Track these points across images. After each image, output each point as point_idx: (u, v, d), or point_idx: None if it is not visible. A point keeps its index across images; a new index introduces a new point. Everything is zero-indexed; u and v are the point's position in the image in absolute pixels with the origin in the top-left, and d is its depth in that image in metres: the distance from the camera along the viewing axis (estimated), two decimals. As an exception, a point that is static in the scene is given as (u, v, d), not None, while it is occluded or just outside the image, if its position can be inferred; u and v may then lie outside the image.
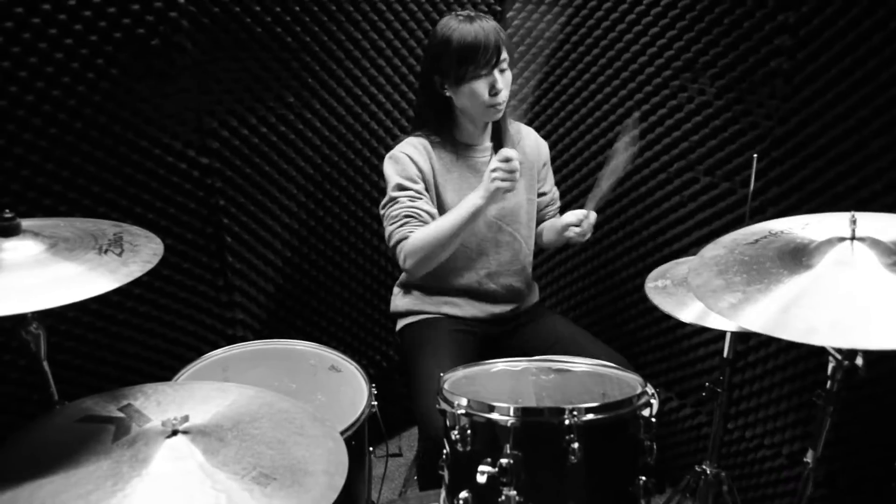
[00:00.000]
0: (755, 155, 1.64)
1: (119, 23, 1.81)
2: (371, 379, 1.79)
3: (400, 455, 2.62)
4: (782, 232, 1.36)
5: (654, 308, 1.68)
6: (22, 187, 1.78)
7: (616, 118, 2.32)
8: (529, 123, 2.38)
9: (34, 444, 1.22)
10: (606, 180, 1.91)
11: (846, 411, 1.43)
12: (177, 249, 2.06)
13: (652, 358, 2.42)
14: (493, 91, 1.87)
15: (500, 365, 1.49)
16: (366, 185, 2.41)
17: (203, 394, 1.38)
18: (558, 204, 2.26)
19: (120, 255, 1.44)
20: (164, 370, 2.06)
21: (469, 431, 1.25)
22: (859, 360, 1.27)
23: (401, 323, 2.17)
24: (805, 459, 1.44)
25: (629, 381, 1.41)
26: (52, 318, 1.87)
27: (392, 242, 1.93)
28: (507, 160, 1.76)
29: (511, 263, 2.12)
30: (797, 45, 1.82)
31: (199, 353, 1.88)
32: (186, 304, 2.13)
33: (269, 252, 2.26)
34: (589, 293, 2.58)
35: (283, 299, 2.35)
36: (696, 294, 1.26)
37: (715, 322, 1.58)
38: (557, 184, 2.29)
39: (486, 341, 2.11)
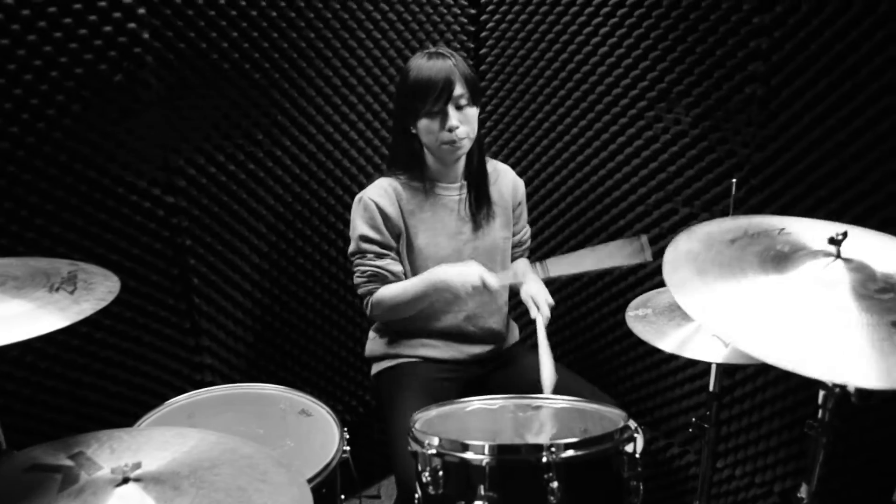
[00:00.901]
0: (734, 181, 1.60)
1: (81, 58, 1.76)
2: (345, 424, 1.71)
3: (378, 497, 2.51)
4: (759, 234, 1.31)
5: (638, 343, 1.63)
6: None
7: (592, 151, 2.29)
8: (504, 160, 2.35)
9: (-26, 497, 1.14)
10: (582, 264, 1.85)
11: (841, 442, 1.37)
12: (141, 292, 1.98)
13: (637, 396, 2.34)
14: (448, 128, 1.84)
15: (475, 403, 1.42)
16: (339, 224, 2.35)
17: (162, 440, 1.30)
18: (528, 244, 2.22)
19: (72, 292, 1.36)
20: (127, 417, 1.95)
21: (441, 473, 1.17)
22: (851, 388, 1.21)
23: (376, 367, 2.09)
24: (799, 495, 1.36)
25: (611, 417, 1.34)
26: (7, 364, 1.79)
27: (359, 292, 1.99)
28: (486, 286, 1.80)
29: (489, 304, 2.06)
30: (770, 70, 1.81)
31: (165, 399, 1.79)
32: (151, 348, 2.04)
33: (238, 294, 2.19)
34: (570, 331, 2.52)
35: (253, 342, 2.26)
36: (674, 290, 1.20)
37: (694, 352, 1.53)
38: (532, 221, 2.25)
39: (466, 385, 2.04)
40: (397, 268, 1.95)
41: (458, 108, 1.84)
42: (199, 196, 2.03)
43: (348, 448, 1.65)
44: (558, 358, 2.26)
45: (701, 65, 1.95)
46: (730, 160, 1.95)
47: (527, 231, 2.20)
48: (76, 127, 1.80)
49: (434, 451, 1.18)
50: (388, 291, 1.94)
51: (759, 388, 2.00)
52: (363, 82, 2.29)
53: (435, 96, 1.82)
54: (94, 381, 1.96)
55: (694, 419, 1.77)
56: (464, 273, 1.84)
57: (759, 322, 1.13)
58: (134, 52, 1.83)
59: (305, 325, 2.39)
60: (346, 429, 1.68)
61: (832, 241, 1.23)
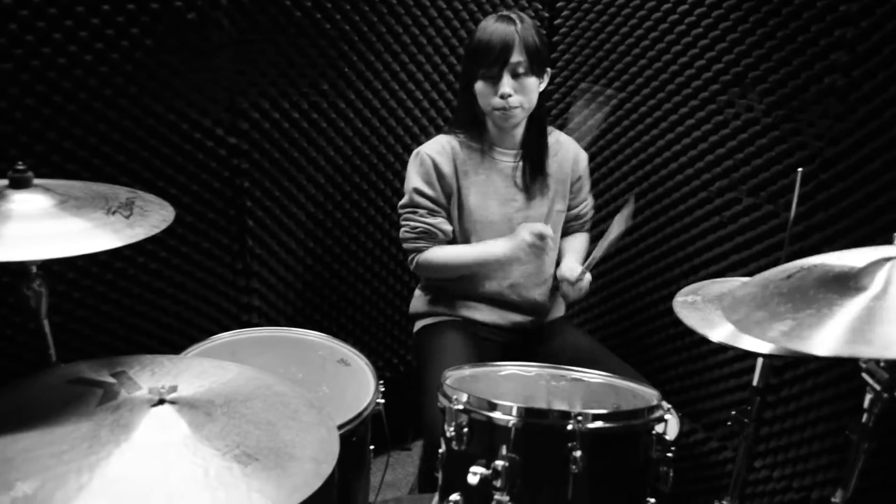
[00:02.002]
0: (799, 171, 1.53)
1: (157, -7, 1.80)
2: (382, 378, 1.72)
3: (409, 450, 2.55)
4: (815, 266, 1.26)
5: (685, 333, 1.58)
6: (47, 149, 1.76)
7: (658, 132, 2.23)
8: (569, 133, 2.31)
9: (19, 401, 1.19)
10: (602, 248, 1.88)
11: (885, 452, 1.32)
12: (197, 228, 2.03)
13: (679, 385, 2.30)
14: (500, 94, 1.81)
15: (510, 368, 1.41)
16: (396, 182, 2.36)
17: (201, 369, 1.34)
18: (588, 218, 2.19)
19: (128, 217, 1.40)
20: (174, 348, 2.03)
21: (466, 430, 1.17)
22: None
23: (418, 324, 2.11)
24: (833, 500, 1.32)
25: (645, 396, 1.32)
26: (65, 285, 1.86)
27: (406, 247, 1.99)
28: (542, 238, 1.81)
29: (535, 276, 2.05)
30: (854, 61, 1.72)
31: (210, 334, 1.84)
32: (202, 284, 2.09)
33: (291, 240, 2.22)
34: (618, 313, 2.48)
35: (301, 289, 2.30)
36: (740, 328, 1.17)
37: (745, 343, 1.48)
38: (596, 196, 2.21)
39: (504, 350, 2.03)
40: (448, 227, 1.95)
41: (516, 76, 1.81)
42: (260, 140, 2.06)
43: (382, 401, 1.67)
44: (602, 339, 2.25)
45: (780, 51, 1.87)
46: (801, 152, 1.87)
47: (587, 204, 2.16)
48: (147, 61, 1.83)
49: (461, 408, 1.18)
50: (437, 253, 1.94)
51: (808, 390, 1.94)
52: (433, 42, 2.28)
53: (491, 60, 1.80)
54: (146, 310, 2.02)
55: (734, 413, 1.72)
56: (517, 238, 1.84)
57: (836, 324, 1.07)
58: (209, -9, 1.86)
59: (354, 278, 2.41)
60: (381, 382, 1.70)
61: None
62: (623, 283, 2.45)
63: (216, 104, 1.97)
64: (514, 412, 1.14)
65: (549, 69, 1.93)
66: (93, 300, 1.93)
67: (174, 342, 2.07)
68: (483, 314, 2.03)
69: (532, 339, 2.08)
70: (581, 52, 2.43)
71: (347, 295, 2.42)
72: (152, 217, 1.43)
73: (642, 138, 2.29)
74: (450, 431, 1.19)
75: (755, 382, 1.69)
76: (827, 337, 1.05)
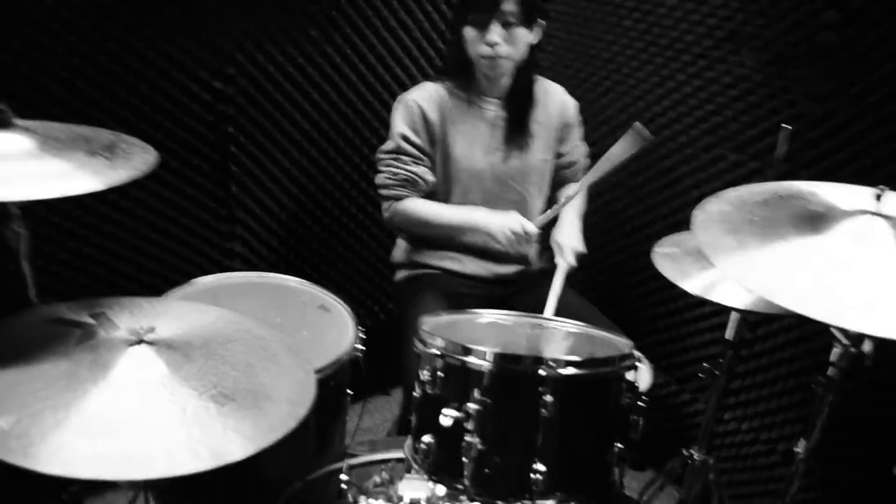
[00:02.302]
0: (786, 128, 1.53)
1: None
2: (364, 325, 1.73)
3: (388, 395, 2.60)
4: (792, 197, 1.27)
5: (665, 287, 1.59)
6: (35, 92, 1.74)
7: (648, 85, 2.21)
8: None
9: (-2, 339, 1.20)
10: (603, 167, 1.84)
11: (848, 405, 1.35)
12: (181, 173, 2.02)
13: (656, 339, 2.33)
14: (487, 41, 1.79)
15: (488, 316, 1.43)
16: (382, 130, 2.32)
17: (181, 311, 1.35)
18: (581, 166, 2.16)
19: (109, 159, 1.39)
20: (157, 292, 2.02)
21: (440, 374, 1.19)
22: (867, 347, 1.18)
23: (399, 274, 2.12)
24: (796, 450, 1.36)
25: (619, 345, 1.34)
26: (46, 227, 1.86)
27: (383, 194, 1.97)
28: (527, 237, 1.83)
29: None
30: (845, 20, 1.71)
31: (192, 278, 1.84)
32: (185, 229, 2.09)
33: (275, 187, 2.22)
34: (601, 266, 2.49)
35: (285, 237, 2.30)
36: (706, 250, 1.18)
37: (718, 296, 1.50)
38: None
39: (487, 303, 2.04)
40: (431, 177, 1.94)
41: (506, 24, 1.79)
42: (247, 85, 2.04)
43: (363, 348, 1.68)
44: (582, 292, 2.25)
45: (774, 7, 1.85)
46: (789, 110, 1.87)
47: (577, 153, 2.14)
48: (137, 3, 1.80)
49: (437, 352, 1.20)
50: (418, 205, 1.93)
51: (780, 345, 1.97)
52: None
53: (482, 5, 1.77)
54: (129, 255, 2.02)
55: (705, 364, 1.76)
56: (504, 218, 1.85)
57: (794, 277, 1.09)
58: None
59: (338, 226, 2.42)
60: (362, 329, 1.71)
61: (877, 196, 1.18)
62: (608, 237, 2.46)
63: (203, 49, 1.94)
64: (488, 357, 1.15)
65: (542, 21, 1.90)
66: (75, 243, 1.93)
67: (157, 286, 2.06)
68: (465, 265, 2.04)
69: (514, 288, 2.09)
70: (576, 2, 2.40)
71: (331, 242, 2.42)
72: (134, 160, 1.41)
73: (632, 92, 2.28)
74: (425, 375, 1.21)
75: (728, 335, 1.73)
76: (767, 279, 1.07)
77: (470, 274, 2.05)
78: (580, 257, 1.98)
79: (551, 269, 2.15)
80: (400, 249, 2.15)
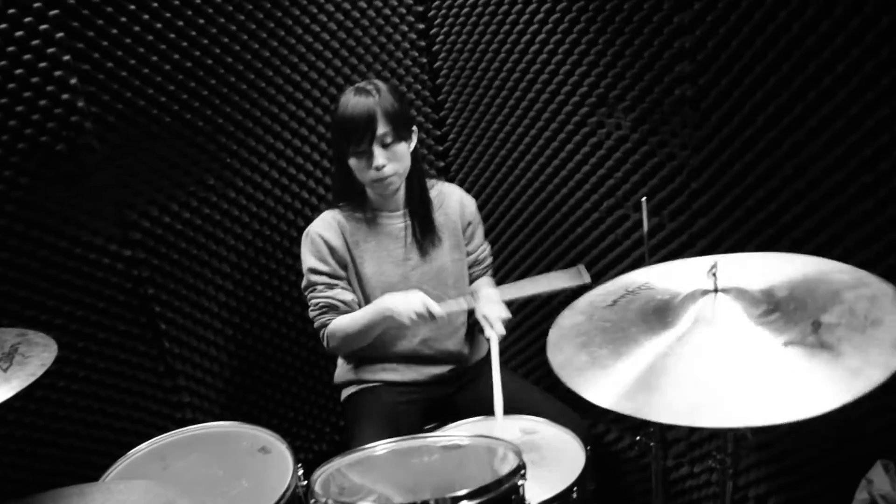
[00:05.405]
0: (643, 201, 1.56)
1: (22, 133, 1.86)
2: (312, 453, 1.74)
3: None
4: (640, 288, 1.28)
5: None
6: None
7: (544, 160, 2.24)
8: (467, 172, 2.34)
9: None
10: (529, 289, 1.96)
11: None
12: (112, 342, 2.09)
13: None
14: (374, 167, 1.85)
15: (386, 447, 1.45)
16: (288, 260, 2.39)
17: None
18: (488, 263, 2.20)
19: (6, 370, 1.45)
20: (113, 459, 2.06)
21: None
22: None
23: (344, 393, 2.15)
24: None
25: (509, 459, 1.34)
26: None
27: (315, 325, 2.01)
28: (431, 315, 1.84)
29: (444, 328, 2.07)
30: (697, 70, 1.75)
31: (149, 439, 1.86)
32: (129, 393, 2.16)
33: (208, 332, 2.28)
34: (538, 345, 2.49)
35: (229, 376, 2.35)
36: (562, 375, 1.18)
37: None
38: (491, 232, 2.23)
39: (429, 406, 2.07)
40: (348, 296, 1.98)
41: (385, 145, 1.85)
42: (156, 246, 2.12)
43: (305, 483, 1.70)
44: (526, 374, 2.26)
45: (631, 68, 1.89)
46: (671, 163, 1.89)
47: (484, 249, 2.18)
48: (28, 198, 1.91)
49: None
50: (340, 322, 1.97)
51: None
52: (313, 113, 2.31)
53: (358, 137, 1.83)
54: (78, 430, 2.09)
55: (638, 437, 1.75)
56: (408, 301, 1.87)
57: (647, 382, 1.09)
58: (72, 120, 1.92)
59: (280, 355, 2.44)
60: (300, 465, 1.72)
61: (710, 273, 1.20)
62: (538, 316, 2.45)
63: (105, 221, 2.03)
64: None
65: (415, 127, 1.96)
66: (21, 432, 1.99)
67: (114, 453, 2.10)
68: (401, 374, 2.06)
69: (454, 387, 2.10)
70: (464, 91, 2.45)
71: (277, 371, 2.44)
72: (30, 365, 1.47)
73: (532, 168, 2.29)
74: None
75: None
76: (618, 392, 1.08)
77: (409, 381, 2.07)
78: (507, 322, 1.98)
79: (486, 359, 2.18)
80: (340, 369, 2.18)
